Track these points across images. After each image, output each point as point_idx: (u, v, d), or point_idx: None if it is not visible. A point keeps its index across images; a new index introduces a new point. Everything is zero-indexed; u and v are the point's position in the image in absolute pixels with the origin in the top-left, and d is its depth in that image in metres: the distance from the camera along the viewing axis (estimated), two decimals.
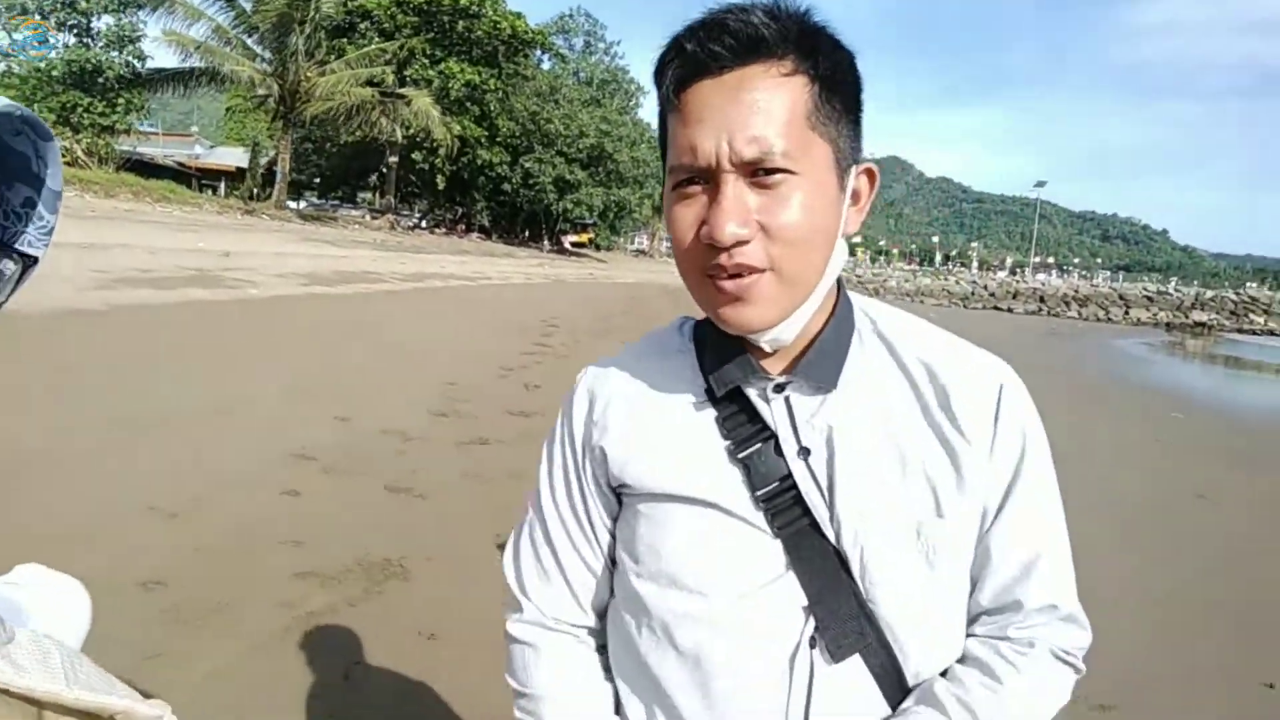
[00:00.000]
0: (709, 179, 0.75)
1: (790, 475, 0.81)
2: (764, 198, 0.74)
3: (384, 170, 38.62)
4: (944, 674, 0.84)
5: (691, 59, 0.75)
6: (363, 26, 34.67)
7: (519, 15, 39.23)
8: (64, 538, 3.55)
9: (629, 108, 52.95)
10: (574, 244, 58.27)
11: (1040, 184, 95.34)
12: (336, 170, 46.12)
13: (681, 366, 0.90)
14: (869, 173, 0.83)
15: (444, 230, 43.21)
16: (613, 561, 0.94)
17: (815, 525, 0.80)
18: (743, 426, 0.84)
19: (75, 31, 24.27)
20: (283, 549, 3.75)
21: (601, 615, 0.96)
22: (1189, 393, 15.73)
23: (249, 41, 28.66)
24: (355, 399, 6.78)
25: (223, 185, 42.35)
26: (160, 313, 9.89)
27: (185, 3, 26.50)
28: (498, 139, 40.32)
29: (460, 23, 36.36)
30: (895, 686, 0.81)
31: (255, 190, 31.91)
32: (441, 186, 40.05)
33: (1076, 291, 67.26)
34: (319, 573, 3.54)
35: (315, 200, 47.51)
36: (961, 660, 0.84)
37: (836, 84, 0.77)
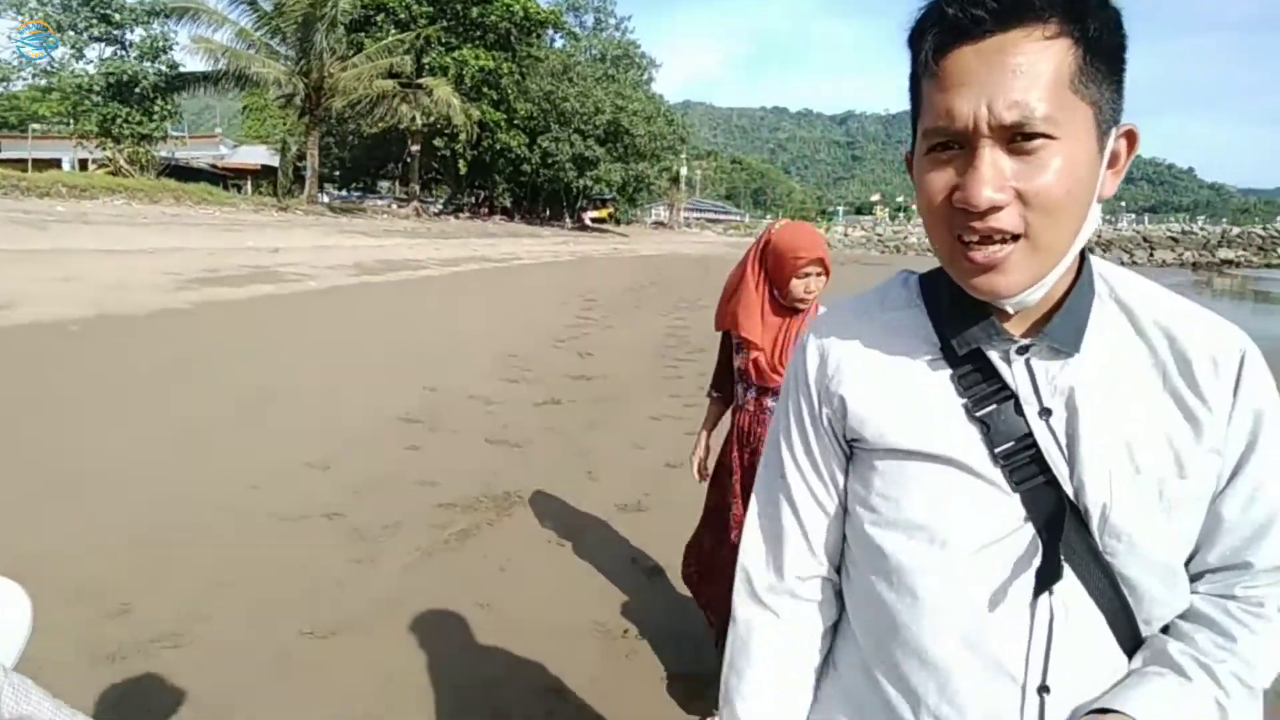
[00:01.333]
0: (965, 143, 0.75)
1: (1030, 434, 0.82)
2: (1022, 163, 0.74)
3: (406, 159, 39.39)
4: (1170, 631, 0.86)
5: (952, 23, 0.75)
6: (379, 19, 35.31)
7: None
8: (250, 484, 4.45)
9: (642, 82, 53.27)
10: (594, 219, 58.88)
11: None
12: (359, 161, 46.96)
13: (913, 322, 0.91)
14: (1129, 134, 0.81)
15: (468, 214, 44.01)
16: (844, 510, 0.96)
17: (1053, 482, 0.81)
18: (980, 385, 0.85)
19: (111, 44, 25.12)
20: (421, 488, 4.60)
21: (837, 566, 0.98)
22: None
23: (272, 43, 29.38)
24: (434, 372, 7.63)
25: (249, 183, 43.43)
26: (237, 308, 10.79)
27: (209, 9, 27.35)
28: (515, 121, 40.94)
29: (474, 9, 36.92)
30: (1127, 633, 0.84)
31: (289, 186, 32.76)
32: (464, 171, 40.84)
33: (1099, 236, 66.89)
34: (456, 503, 4.39)
35: (337, 192, 48.40)
36: (1188, 617, 0.86)
37: (1101, 44, 0.75)
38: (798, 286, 2.54)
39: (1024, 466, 0.82)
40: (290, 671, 2.76)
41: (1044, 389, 0.83)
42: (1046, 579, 0.80)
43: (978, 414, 0.84)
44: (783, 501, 0.97)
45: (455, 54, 36.44)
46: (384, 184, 54.20)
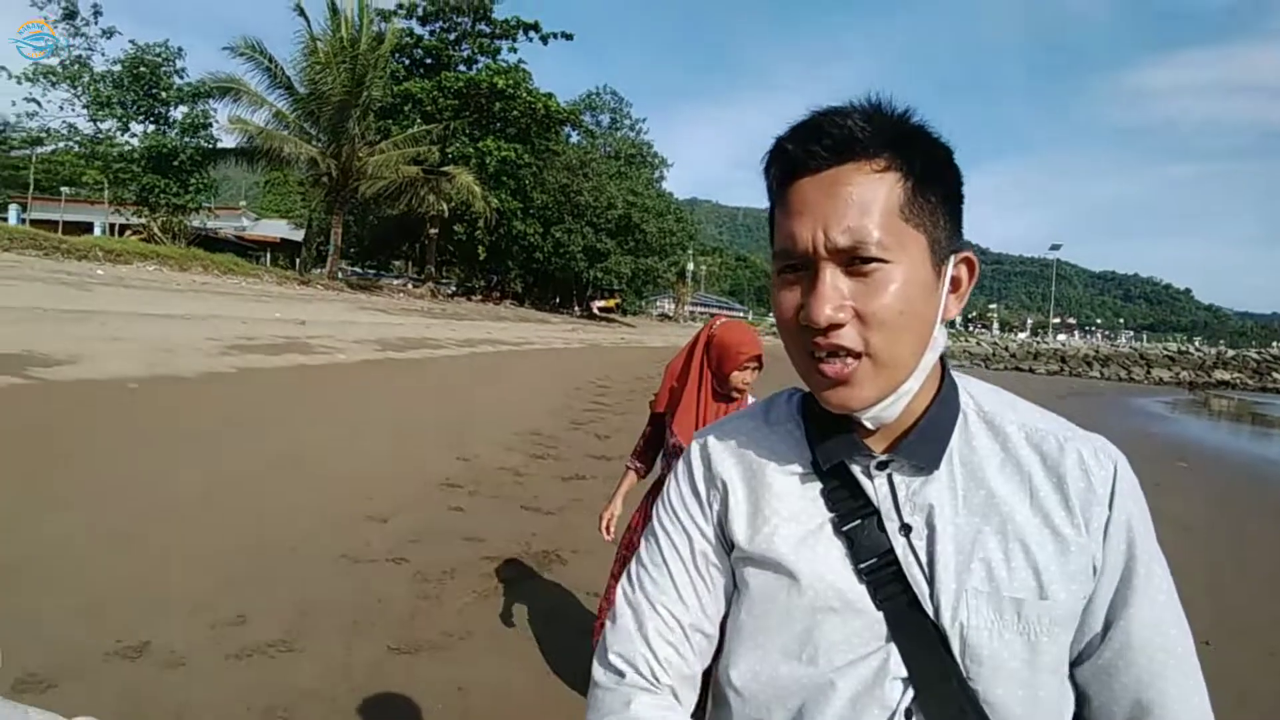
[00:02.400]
0: (809, 265, 0.80)
1: (891, 550, 0.83)
2: (859, 284, 0.78)
3: (424, 241, 40.71)
4: None
5: (792, 158, 0.82)
6: (407, 108, 37.16)
7: (550, 95, 41.74)
8: (317, 532, 5.00)
9: (654, 179, 55.43)
10: (601, 309, 60.28)
11: (1055, 247, 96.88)
12: (376, 240, 48.43)
13: (789, 438, 0.94)
14: (968, 261, 0.86)
15: (480, 297, 45.18)
16: (723, 619, 0.96)
17: (915, 602, 0.82)
18: (846, 500, 0.87)
19: (155, 120, 26.52)
20: (469, 543, 5.15)
21: (703, 676, 0.96)
22: (1198, 445, 16.88)
23: (305, 124, 30.89)
24: (465, 444, 8.22)
25: (267, 255, 44.71)
26: (276, 375, 11.43)
27: (250, 90, 28.93)
28: (531, 210, 42.53)
29: (497, 104, 38.86)
30: None
31: (310, 261, 33.89)
32: (482, 257, 42.15)
33: (1097, 351, 68.19)
34: (500, 556, 4.94)
35: (352, 268, 49.74)
36: None
37: (931, 179, 0.81)
38: (737, 378, 2.88)
39: (887, 584, 0.83)
40: (384, 678, 3.29)
41: (904, 505, 0.85)
42: (904, 700, 0.81)
43: (843, 529, 0.86)
44: (660, 587, 0.94)
45: (479, 144, 38.17)
46: (396, 263, 55.70)
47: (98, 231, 31.93)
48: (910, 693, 0.81)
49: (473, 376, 15.24)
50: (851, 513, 0.86)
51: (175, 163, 25.96)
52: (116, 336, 11.57)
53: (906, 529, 0.84)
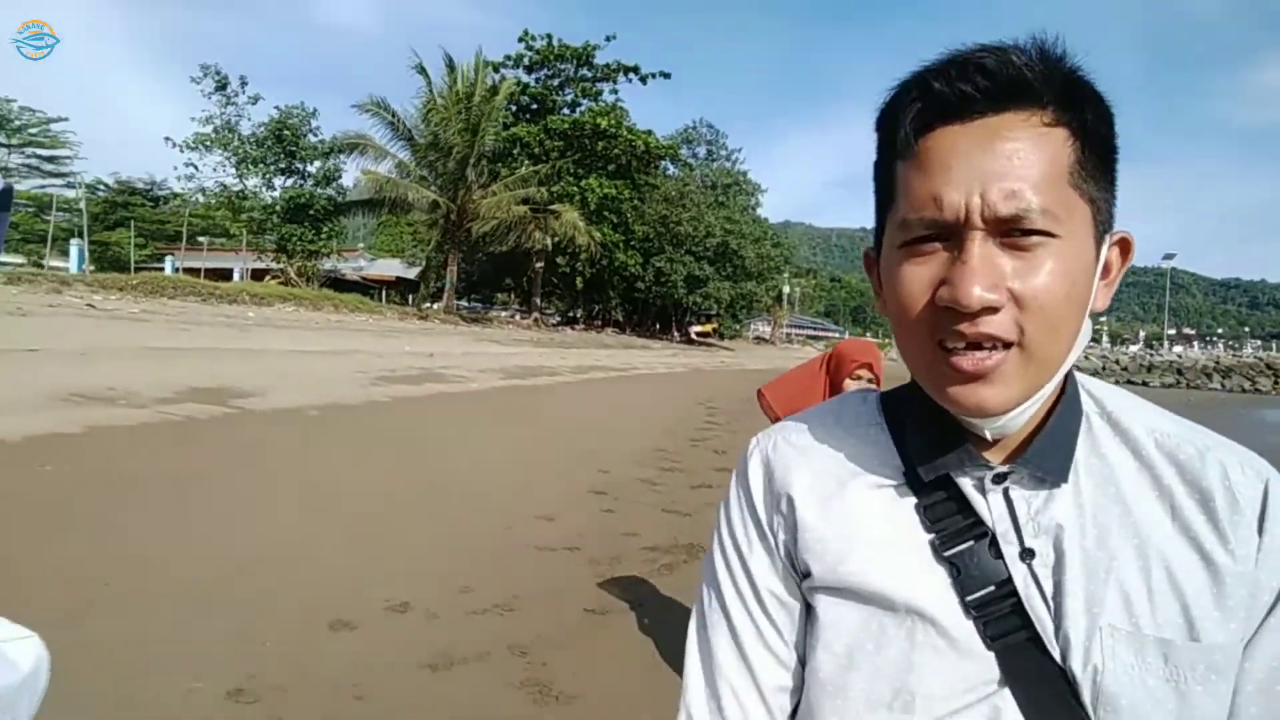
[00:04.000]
0: (952, 235, 0.65)
1: (1009, 580, 0.69)
2: (1018, 261, 0.64)
3: (530, 274, 42.56)
4: None
5: (939, 100, 0.66)
6: (515, 151, 39.21)
7: (649, 132, 43.26)
8: (505, 526, 6.00)
9: (750, 207, 56.36)
10: (699, 334, 61.22)
11: (1169, 256, 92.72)
12: (483, 275, 50.77)
13: (873, 443, 0.79)
14: (1123, 243, 0.72)
15: (583, 326, 46.79)
16: (801, 661, 0.80)
17: (1037, 640, 0.68)
18: (951, 519, 0.72)
19: (292, 174, 29.07)
20: (626, 537, 6.05)
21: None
22: None
23: (424, 173, 33.13)
24: (601, 459, 9.17)
25: (383, 293, 47.56)
26: (423, 402, 12.73)
27: (376, 144, 31.35)
28: (632, 242, 43.98)
29: (599, 143, 40.53)
30: None
31: (429, 298, 36.08)
32: (581, 287, 43.80)
33: (1218, 362, 64.95)
34: (657, 547, 5.82)
35: (458, 302, 52.33)
36: None
37: (1099, 139, 0.68)
38: (850, 386, 2.98)
39: (1001, 619, 0.69)
40: (588, 630, 4.20)
41: (1025, 526, 0.70)
42: None
43: (946, 554, 0.71)
44: (725, 637, 0.81)
45: (582, 182, 39.87)
46: (500, 295, 58.15)
47: (237, 276, 34.94)
48: None
49: (593, 400, 16.34)
50: (958, 534, 0.72)
51: (310, 212, 28.30)
52: (284, 372, 13.11)
53: (1029, 554, 0.70)
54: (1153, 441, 0.73)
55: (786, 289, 76.75)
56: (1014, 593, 0.70)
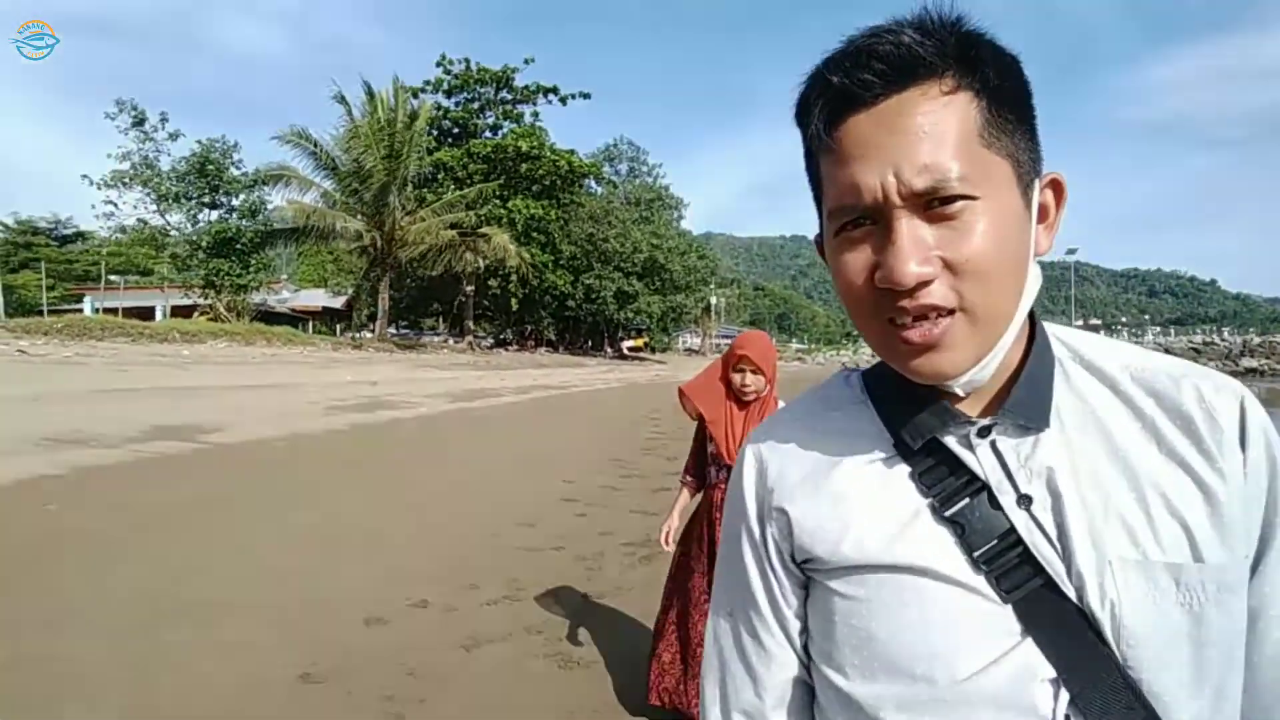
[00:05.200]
0: (878, 218, 0.67)
1: (1013, 529, 0.69)
2: (944, 230, 0.65)
3: (461, 298, 42.73)
4: None
5: (840, 92, 0.68)
6: (440, 176, 39.45)
7: (572, 152, 44.05)
8: (492, 533, 6.53)
9: (673, 220, 57.60)
10: (630, 349, 62.06)
11: (1072, 251, 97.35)
12: (411, 301, 50.68)
13: (859, 419, 0.80)
14: (1054, 183, 0.73)
15: (516, 347, 47.07)
16: (807, 656, 0.81)
17: (1051, 584, 0.67)
18: (945, 480, 0.73)
19: (216, 208, 28.84)
20: (604, 536, 6.64)
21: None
22: None
23: (349, 201, 33.15)
24: (562, 471, 9.74)
25: (310, 324, 47.08)
26: (381, 428, 13.06)
27: (300, 175, 31.30)
28: (560, 261, 44.56)
29: (523, 165, 41.09)
30: None
31: (360, 326, 35.98)
32: (515, 309, 44.18)
33: None
34: (633, 543, 6.42)
35: (390, 330, 52.12)
36: None
37: (1005, 93, 0.68)
38: (734, 379, 3.04)
39: (1013, 569, 0.68)
40: (593, 611, 4.79)
41: (1018, 474, 0.71)
42: (1060, 706, 0.66)
43: (947, 513, 0.71)
44: (731, 642, 0.84)
45: (508, 204, 40.34)
46: (427, 320, 57.99)
47: (159, 314, 34.33)
48: (1064, 694, 0.66)
49: (541, 417, 16.84)
50: (955, 493, 0.72)
51: (238, 246, 28.08)
52: (238, 407, 13.29)
53: (1026, 500, 0.70)
54: (1128, 375, 0.74)
55: (714, 299, 78.23)
56: (1019, 541, 0.69)
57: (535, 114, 45.75)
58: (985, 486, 0.72)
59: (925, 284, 0.66)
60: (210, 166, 28.20)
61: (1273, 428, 0.73)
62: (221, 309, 28.68)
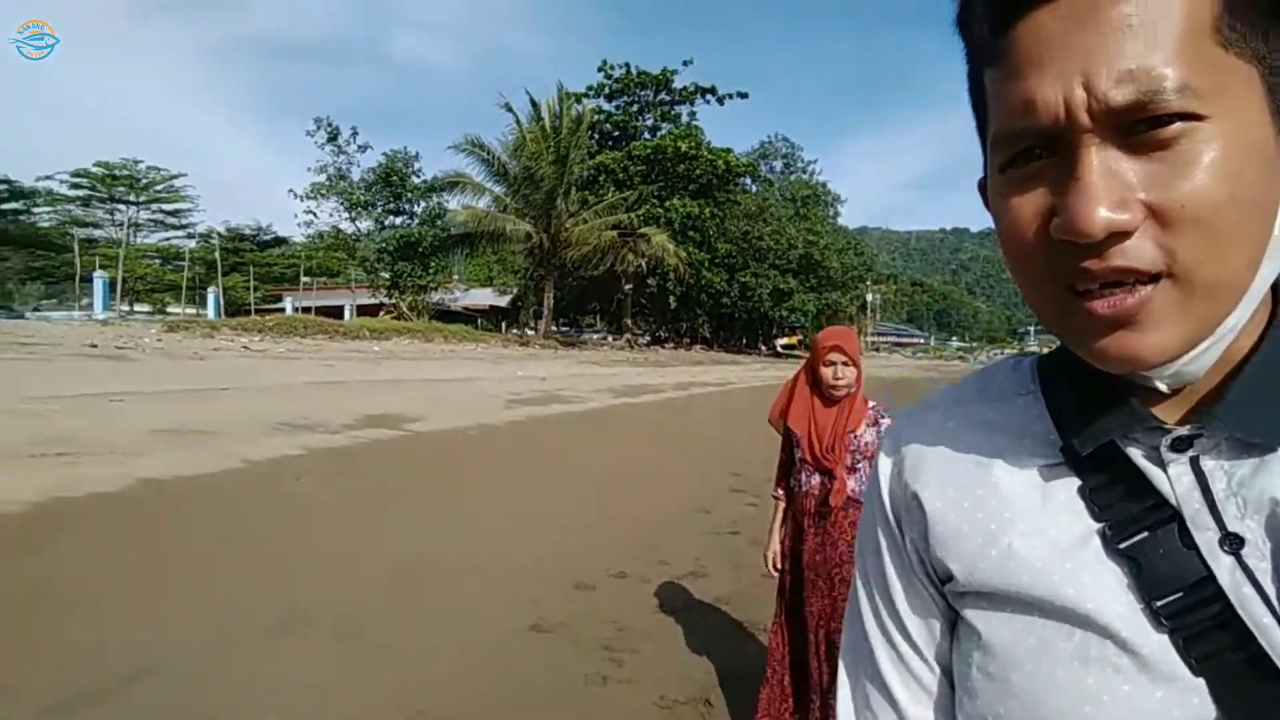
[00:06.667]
0: (1058, 146, 0.49)
1: (1211, 577, 0.50)
2: (1152, 164, 0.47)
3: (619, 297, 44.07)
4: None
5: None
6: (601, 179, 40.89)
7: (728, 150, 44.49)
8: (694, 509, 7.11)
9: (829, 217, 57.00)
10: (784, 346, 61.82)
11: None
12: (572, 299, 52.65)
13: (1024, 414, 0.62)
14: None
15: (672, 344, 48.01)
16: (951, 685, 0.64)
17: (1261, 658, 0.48)
18: (1125, 502, 0.54)
19: (400, 215, 31.29)
20: (736, 536, 7.09)
21: None
22: None
23: (517, 204, 35.01)
24: (730, 464, 10.24)
25: (478, 321, 49.87)
26: (554, 420, 14.01)
27: (473, 182, 33.38)
28: (716, 260, 45.11)
29: (681, 165, 41.87)
30: None
31: (530, 324, 37.95)
32: (672, 307, 45.14)
33: None
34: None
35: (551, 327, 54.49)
36: None
37: None
38: (826, 374, 2.86)
39: (1206, 633, 0.50)
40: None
41: (1225, 504, 0.51)
42: None
43: (1122, 546, 0.54)
44: (867, 669, 0.68)
45: (666, 204, 41.26)
46: (586, 318, 60.00)
47: (347, 312, 37.46)
48: None
49: (703, 412, 17.43)
50: (1133, 520, 0.54)
51: (419, 250, 30.32)
52: (430, 399, 14.59)
53: (1234, 540, 0.50)
54: None
55: (870, 296, 76.62)
56: (1219, 594, 0.50)
57: (693, 114, 46.59)
58: (1177, 516, 0.53)
59: (1122, 236, 0.48)
60: (394, 176, 30.60)
61: None
62: (404, 308, 31.05)
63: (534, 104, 34.36)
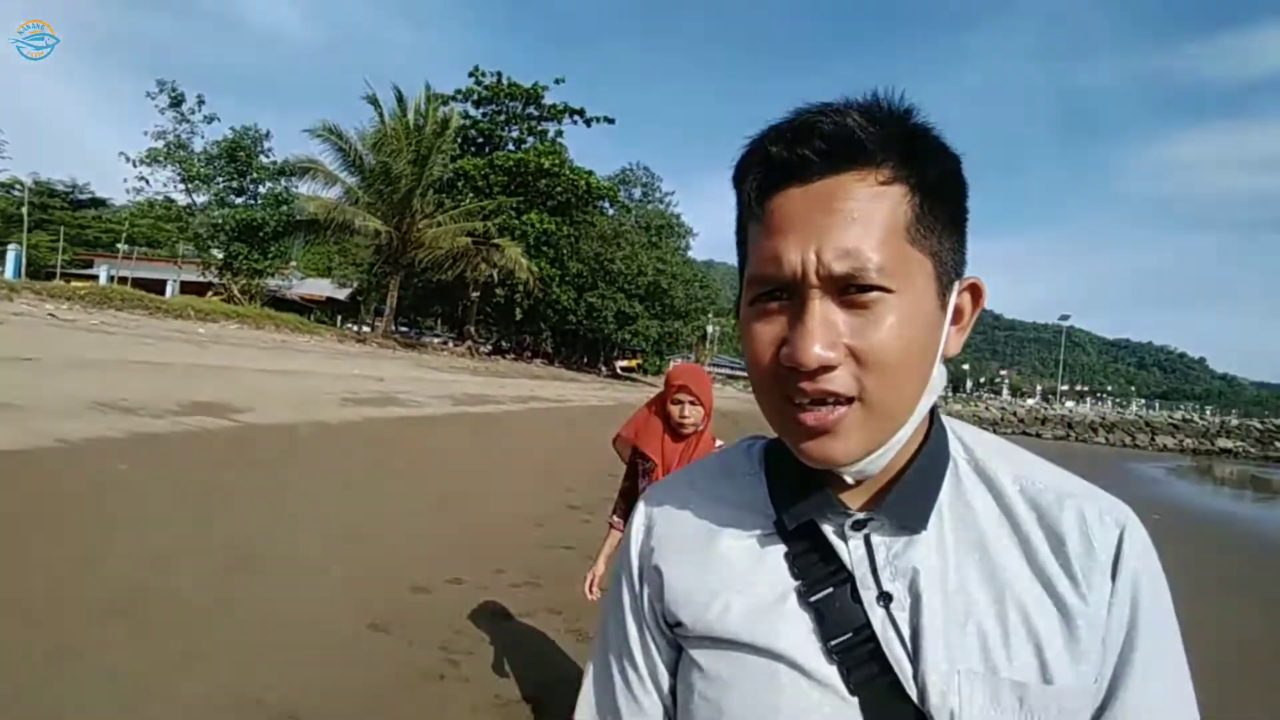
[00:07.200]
0: (793, 294, 0.68)
1: (868, 624, 0.70)
2: (855, 318, 0.66)
3: (465, 303, 43.57)
4: None
5: (778, 164, 0.68)
6: (460, 184, 40.44)
7: (590, 172, 45.07)
8: (508, 528, 7.35)
9: (681, 248, 58.81)
10: (624, 368, 63.05)
11: (1065, 317, 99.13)
12: (416, 302, 51.50)
13: (749, 493, 0.82)
14: (973, 288, 0.75)
15: (513, 356, 47.88)
16: (670, 712, 0.83)
17: (897, 684, 0.69)
18: (816, 566, 0.74)
19: (243, 195, 29.73)
20: (570, 551, 7.47)
21: None
22: (1173, 502, 19.06)
23: (369, 198, 34.05)
24: (566, 478, 10.58)
25: (312, 313, 47.85)
26: (394, 424, 13.85)
27: (325, 170, 32.22)
28: (567, 277, 45.50)
29: (542, 181, 42.08)
30: None
31: (369, 321, 36.82)
32: (519, 318, 45.06)
33: (1104, 418, 70.18)
34: None
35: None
36: None
37: (940, 192, 0.70)
38: (673, 411, 3.00)
39: (863, 664, 0.70)
40: (522, 609, 5.63)
41: (883, 570, 0.72)
42: None
43: (811, 599, 0.72)
44: (606, 686, 0.87)
45: (523, 217, 41.31)
46: (427, 320, 58.80)
47: (170, 289, 35.12)
48: None
49: (540, 427, 17.68)
50: (821, 580, 0.73)
51: (260, 234, 28.92)
52: (260, 390, 14.05)
53: (886, 598, 0.71)
54: (1017, 488, 0.75)
55: (710, 328, 79.41)
56: (873, 636, 0.70)
57: (559, 131, 46.93)
58: (850, 578, 0.72)
59: (828, 369, 0.66)
60: (241, 153, 29.04)
61: (1152, 559, 0.73)
62: (235, 291, 29.44)
63: (400, 100, 33.64)
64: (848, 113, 0.68)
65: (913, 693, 0.68)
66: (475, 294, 41.86)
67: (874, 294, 0.66)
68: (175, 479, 7.04)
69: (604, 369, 58.03)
